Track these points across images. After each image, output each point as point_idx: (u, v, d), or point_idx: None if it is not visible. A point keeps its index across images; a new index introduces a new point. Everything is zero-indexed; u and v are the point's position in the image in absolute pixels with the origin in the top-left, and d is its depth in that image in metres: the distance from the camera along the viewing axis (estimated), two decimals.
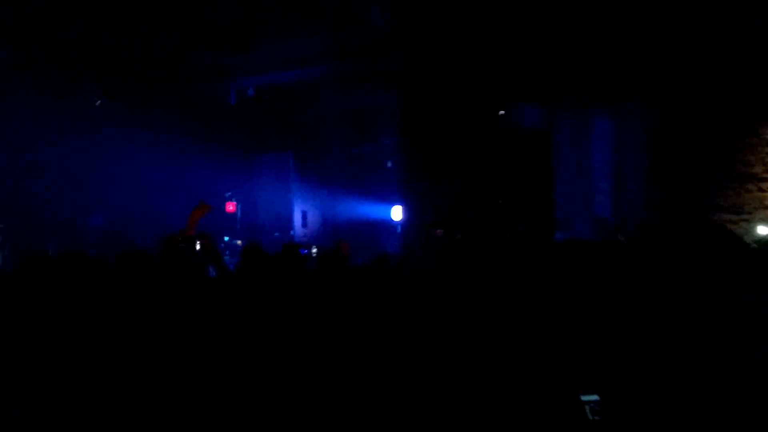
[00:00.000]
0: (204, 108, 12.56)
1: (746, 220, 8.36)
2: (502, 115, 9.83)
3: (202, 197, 12.01)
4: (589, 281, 3.67)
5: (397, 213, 10.99)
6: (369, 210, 11.56)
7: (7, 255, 9.69)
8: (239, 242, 12.33)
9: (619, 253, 3.60)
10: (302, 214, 12.18)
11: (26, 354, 3.48)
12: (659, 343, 2.41)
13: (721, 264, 2.41)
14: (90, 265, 4.24)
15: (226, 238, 12.30)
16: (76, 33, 10.36)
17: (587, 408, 2.49)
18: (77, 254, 4.25)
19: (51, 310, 3.83)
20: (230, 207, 12.65)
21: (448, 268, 5.06)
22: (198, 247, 5.64)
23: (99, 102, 11.54)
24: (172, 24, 10.67)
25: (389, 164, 11.48)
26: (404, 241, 10.77)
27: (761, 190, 8.51)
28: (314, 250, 9.38)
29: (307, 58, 11.44)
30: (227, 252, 12.22)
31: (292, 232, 12.10)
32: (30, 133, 10.84)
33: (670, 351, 2.34)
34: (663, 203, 8.63)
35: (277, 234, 12.16)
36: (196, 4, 10.11)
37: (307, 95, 12.03)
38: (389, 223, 11.23)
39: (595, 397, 2.50)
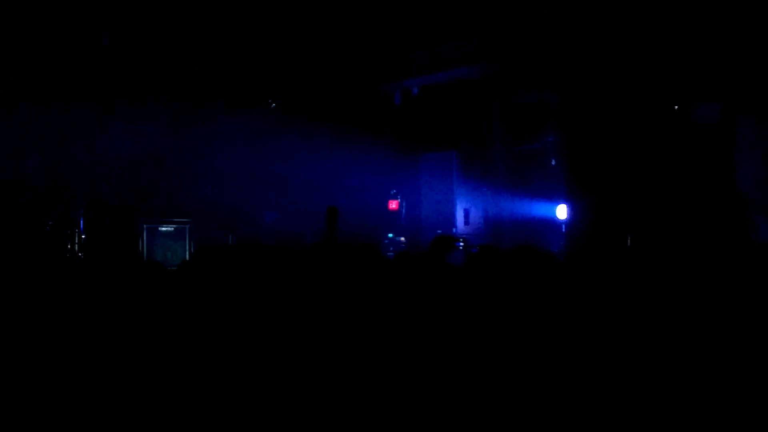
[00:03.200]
0: (371, 109, 12.93)
1: None
2: (676, 109, 9.42)
3: (369, 195, 12.41)
4: None
5: (561, 212, 10.82)
6: (532, 208, 11.45)
7: (193, 249, 10.46)
8: (402, 239, 12.61)
9: None
10: (465, 212, 12.25)
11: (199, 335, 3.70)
12: None
13: None
14: (264, 254, 4.47)
15: (390, 235, 12.61)
16: (250, 42, 10.99)
17: None
18: (253, 243, 4.51)
19: (225, 296, 4.08)
20: (393, 205, 12.95)
21: (622, 273, 4.92)
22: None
23: (274, 105, 12.17)
24: (339, 28, 11.08)
25: (554, 162, 11.30)
26: (569, 240, 10.58)
27: None
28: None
29: (469, 56, 11.50)
30: (391, 248, 12.53)
31: (454, 230, 12.20)
32: (211, 137, 11.63)
33: None
34: None
35: (439, 231, 12.29)
36: (360, 7, 10.43)
37: (471, 93, 12.08)
38: (553, 222, 11.07)
39: None
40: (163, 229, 10.50)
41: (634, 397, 3.27)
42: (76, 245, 9.51)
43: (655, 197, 9.35)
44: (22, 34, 9.30)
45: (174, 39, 10.44)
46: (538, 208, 11.30)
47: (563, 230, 10.73)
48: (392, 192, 12.78)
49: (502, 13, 10.22)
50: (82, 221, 9.76)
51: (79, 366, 3.27)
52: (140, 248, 10.14)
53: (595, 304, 4.27)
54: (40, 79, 9.91)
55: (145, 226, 10.31)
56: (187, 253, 10.50)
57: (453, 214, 12.16)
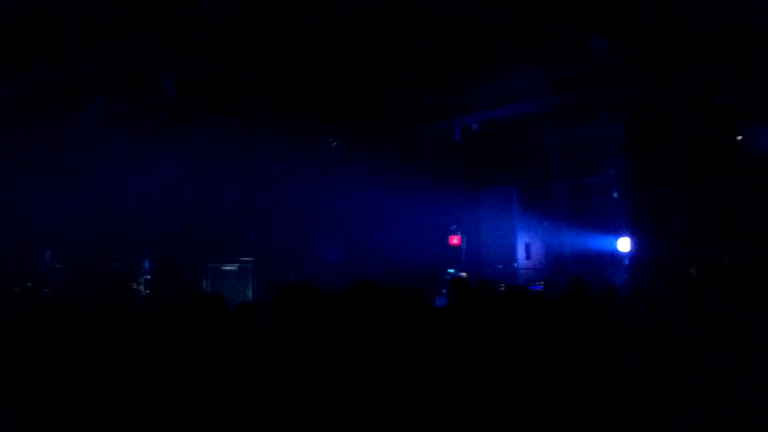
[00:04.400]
0: (431, 145, 13.04)
1: None
2: (739, 140, 9.23)
3: (430, 231, 12.45)
4: None
5: (624, 244, 10.65)
6: (594, 241, 11.30)
7: (256, 288, 10.66)
8: (463, 274, 12.57)
9: None
10: (525, 246, 12.18)
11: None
12: None
13: None
14: (312, 296, 4.56)
15: (451, 270, 12.60)
16: (314, 82, 11.25)
17: None
18: (304, 286, 4.61)
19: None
20: (454, 240, 12.97)
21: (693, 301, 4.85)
22: None
23: (335, 144, 12.39)
24: (400, 69, 11.26)
25: (615, 194, 11.16)
26: (633, 273, 10.40)
27: None
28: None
29: (529, 91, 11.52)
30: None
31: (515, 264, 12.12)
32: (274, 177, 11.88)
33: None
34: None
35: (500, 266, 12.24)
36: (416, 48, 10.60)
37: (530, 128, 12.07)
38: (616, 255, 10.90)
39: None
40: (227, 268, 10.74)
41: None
42: (142, 286, 9.82)
43: (720, 226, 9.14)
44: (85, 80, 9.69)
45: (237, 82, 10.75)
46: (599, 241, 11.14)
47: (626, 263, 10.55)
48: (453, 227, 12.81)
49: (561, 48, 10.23)
50: (147, 262, 10.07)
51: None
52: (204, 288, 10.37)
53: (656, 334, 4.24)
54: (106, 123, 10.29)
55: (208, 266, 10.54)
56: (251, 291, 10.69)
57: (514, 249, 12.10)
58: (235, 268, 10.82)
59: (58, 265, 9.53)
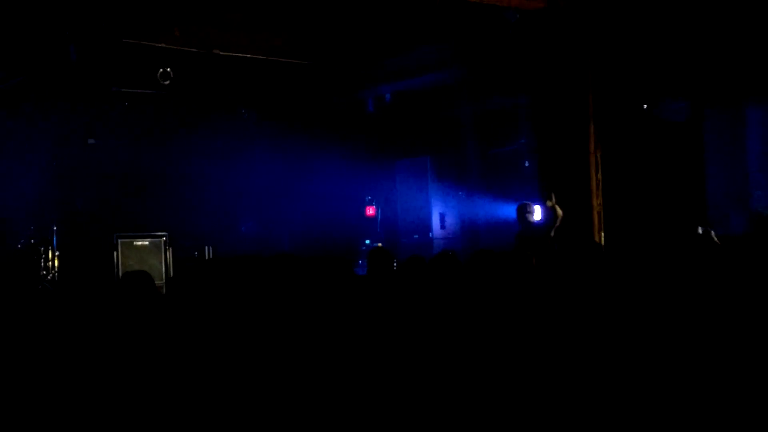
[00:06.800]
0: (345, 116, 12.97)
1: None
2: (645, 109, 9.54)
3: (345, 202, 12.43)
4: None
5: (537, 214, 10.86)
6: (508, 211, 11.49)
7: (169, 261, 10.42)
8: (379, 245, 12.63)
9: None
10: (440, 216, 12.29)
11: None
12: None
13: None
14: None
15: (367, 242, 12.64)
16: (220, 50, 10.98)
17: None
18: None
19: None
20: (370, 211, 12.98)
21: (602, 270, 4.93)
22: None
23: (246, 115, 12.17)
24: (311, 35, 11.11)
25: (527, 164, 11.37)
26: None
27: None
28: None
29: (441, 62, 11.59)
30: None
31: (430, 234, 12.23)
32: (184, 148, 11.61)
33: None
34: None
35: (416, 236, 12.33)
36: (332, 17, 10.48)
37: (443, 98, 12.16)
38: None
39: None
40: (138, 243, 10.40)
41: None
42: (50, 262, 9.43)
43: (627, 195, 9.46)
44: None
45: (143, 50, 10.40)
46: (513, 210, 11.34)
47: None
48: (368, 198, 12.81)
49: (473, 19, 10.30)
50: (55, 239, 9.67)
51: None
52: (115, 263, 10.04)
53: (563, 303, 4.31)
54: (8, 94, 9.83)
55: (119, 240, 10.19)
56: (163, 266, 10.42)
57: (429, 219, 12.20)
58: (147, 242, 10.49)
59: None
